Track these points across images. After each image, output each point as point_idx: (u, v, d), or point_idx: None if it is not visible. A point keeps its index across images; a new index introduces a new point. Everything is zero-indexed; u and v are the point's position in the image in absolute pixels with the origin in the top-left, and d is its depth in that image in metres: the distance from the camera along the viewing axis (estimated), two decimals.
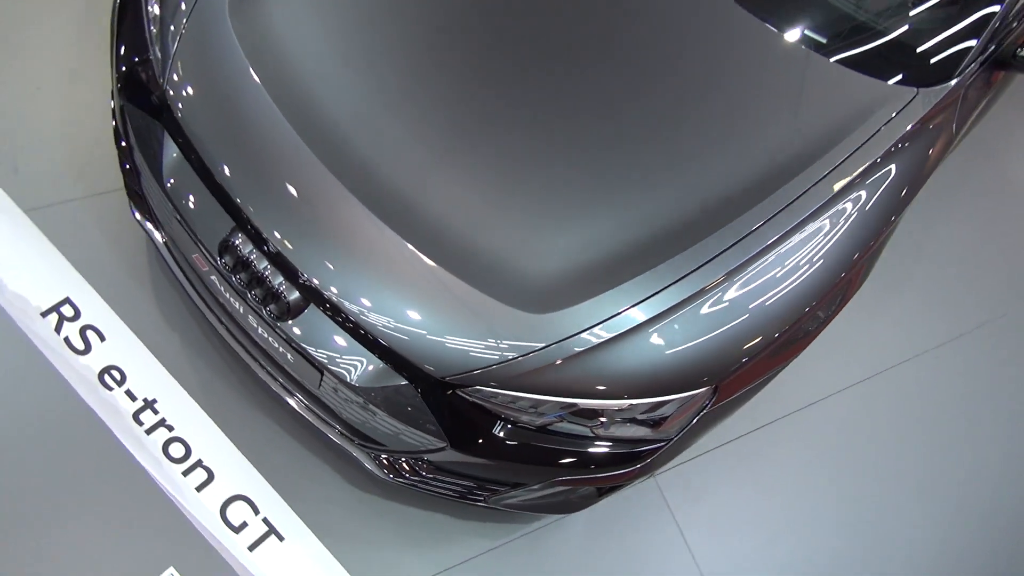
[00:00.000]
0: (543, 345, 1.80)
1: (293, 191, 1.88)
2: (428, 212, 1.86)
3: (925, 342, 3.08)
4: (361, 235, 1.84)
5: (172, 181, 2.01)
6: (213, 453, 2.30)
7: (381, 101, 1.97)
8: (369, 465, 2.16)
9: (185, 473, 2.27)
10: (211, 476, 2.28)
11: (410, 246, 1.82)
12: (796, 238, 1.96)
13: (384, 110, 1.96)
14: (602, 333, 1.81)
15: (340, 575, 2.25)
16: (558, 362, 1.80)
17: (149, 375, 2.36)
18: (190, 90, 1.99)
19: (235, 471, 2.30)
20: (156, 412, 2.32)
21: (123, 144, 2.22)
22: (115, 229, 2.56)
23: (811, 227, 1.98)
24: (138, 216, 2.32)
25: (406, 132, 1.94)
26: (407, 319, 1.80)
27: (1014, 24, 2.34)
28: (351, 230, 1.85)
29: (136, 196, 2.29)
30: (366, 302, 1.81)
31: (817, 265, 1.98)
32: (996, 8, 2.26)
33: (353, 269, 1.83)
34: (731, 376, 1.91)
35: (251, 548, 2.23)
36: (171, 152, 2.03)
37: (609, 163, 1.96)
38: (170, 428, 2.31)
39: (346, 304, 1.81)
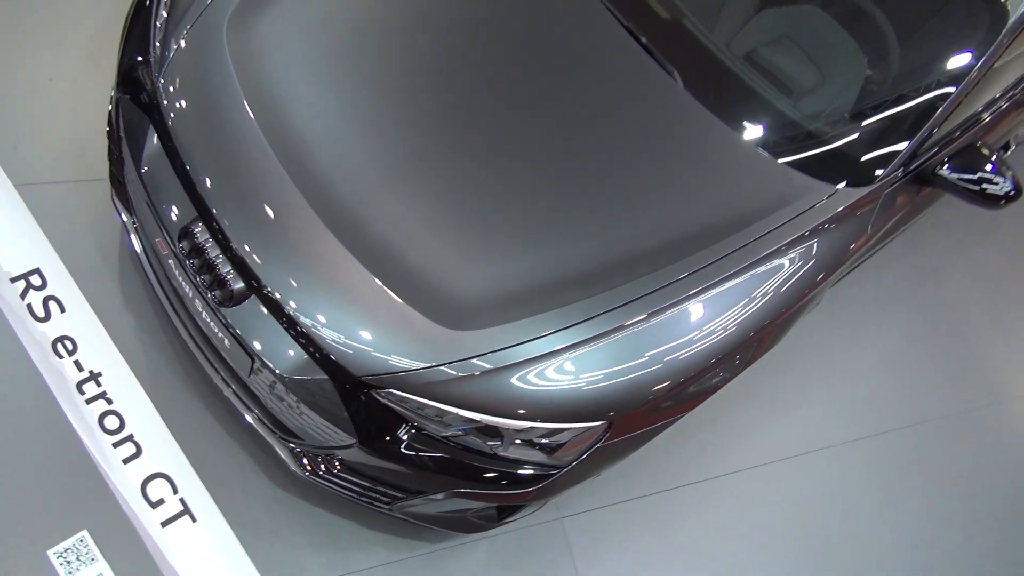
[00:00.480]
0: (455, 359, 1.96)
1: (254, 192, 2.07)
2: (374, 227, 2.05)
3: (842, 435, 3.23)
4: (308, 239, 2.02)
5: (147, 168, 2.21)
6: (145, 430, 2.43)
7: (351, 124, 2.18)
8: (286, 458, 2.29)
9: (115, 445, 2.40)
10: (139, 451, 2.40)
11: (350, 254, 2.00)
12: (711, 295, 2.14)
13: (352, 132, 2.17)
14: (513, 356, 1.98)
15: (244, 562, 2.35)
16: (468, 377, 1.96)
17: (99, 350, 2.50)
18: (179, 91, 2.20)
19: (163, 450, 2.42)
20: (99, 385, 2.46)
21: (113, 133, 2.42)
22: (96, 214, 2.74)
23: (726, 287, 2.16)
24: (117, 202, 2.51)
25: (369, 154, 2.15)
26: (335, 320, 1.97)
27: (936, 146, 2.55)
28: (300, 234, 2.03)
29: (117, 183, 2.48)
30: (302, 299, 1.98)
31: (727, 323, 2.16)
32: (925, 122, 2.47)
33: (295, 268, 2.01)
34: (629, 415, 2.07)
35: (164, 524, 2.34)
36: (152, 144, 2.23)
37: (546, 205, 2.16)
38: (109, 401, 2.45)
39: (283, 298, 1.98)
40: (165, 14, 2.34)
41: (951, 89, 2.46)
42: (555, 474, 2.12)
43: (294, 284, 1.99)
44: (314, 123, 2.16)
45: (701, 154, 2.34)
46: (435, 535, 2.52)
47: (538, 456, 2.08)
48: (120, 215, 2.50)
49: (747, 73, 2.47)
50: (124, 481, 2.36)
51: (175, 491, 2.39)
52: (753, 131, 2.41)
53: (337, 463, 2.22)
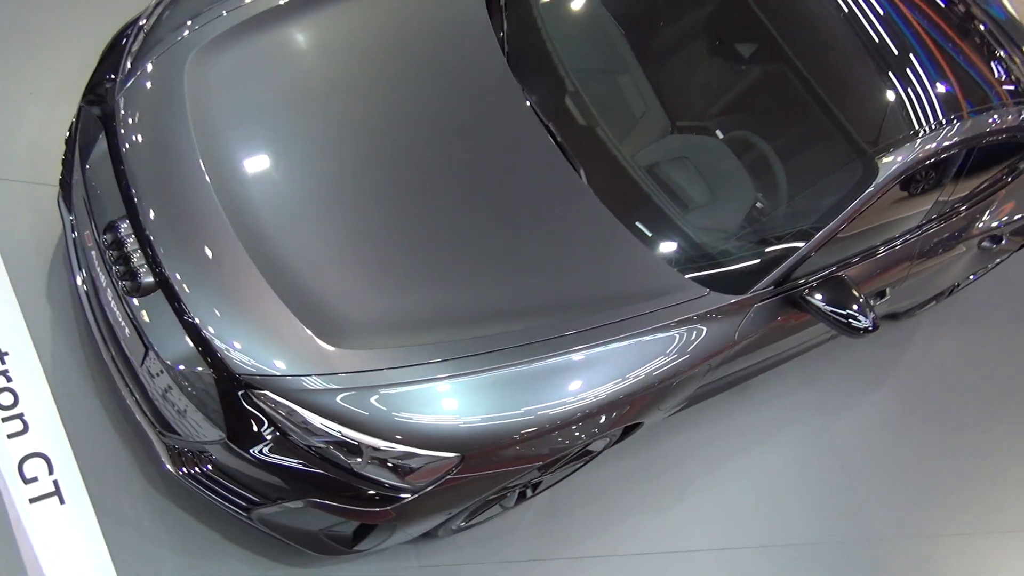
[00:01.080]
0: (328, 372, 2.16)
1: (180, 201, 2.31)
2: (283, 249, 2.28)
3: (707, 542, 3.39)
4: (219, 248, 2.25)
5: (90, 168, 2.45)
6: (36, 411, 2.56)
7: (285, 161, 2.44)
8: (162, 454, 2.42)
9: (4, 420, 2.52)
10: (25, 428, 2.53)
11: (253, 265, 2.23)
12: (576, 358, 2.38)
13: (284, 168, 2.43)
14: (382, 379, 2.18)
15: (101, 550, 2.44)
16: (336, 390, 2.15)
17: (11, 331, 2.66)
18: (133, 111, 2.47)
19: (49, 432, 2.55)
20: (3, 363, 2.61)
21: (71, 139, 2.67)
22: (41, 215, 2.95)
23: (592, 354, 2.40)
24: (62, 203, 2.73)
25: (296, 189, 2.40)
26: (225, 319, 2.18)
27: (806, 276, 2.85)
28: (213, 242, 2.26)
29: (64, 185, 2.71)
30: (199, 296, 2.20)
31: (587, 387, 2.39)
32: (800, 246, 2.77)
33: (201, 270, 2.23)
34: (481, 452, 2.25)
35: (32, 501, 2.44)
36: (99, 150, 2.47)
37: (443, 256, 2.43)
38: (9, 379, 2.59)
39: (183, 294, 2.19)
40: (141, 39, 2.63)
41: (822, 227, 2.78)
42: (405, 499, 2.27)
43: (196, 282, 2.20)
44: (252, 156, 2.42)
45: (590, 239, 2.62)
46: (291, 558, 2.62)
47: (391, 478, 2.23)
48: (62, 214, 2.71)
49: (645, 181, 2.78)
50: (3, 453, 2.47)
51: (50, 472, 2.50)
52: (641, 229, 2.69)
53: (206, 463, 2.35)
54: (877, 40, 3.08)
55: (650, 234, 2.70)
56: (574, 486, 3.12)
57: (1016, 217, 3.87)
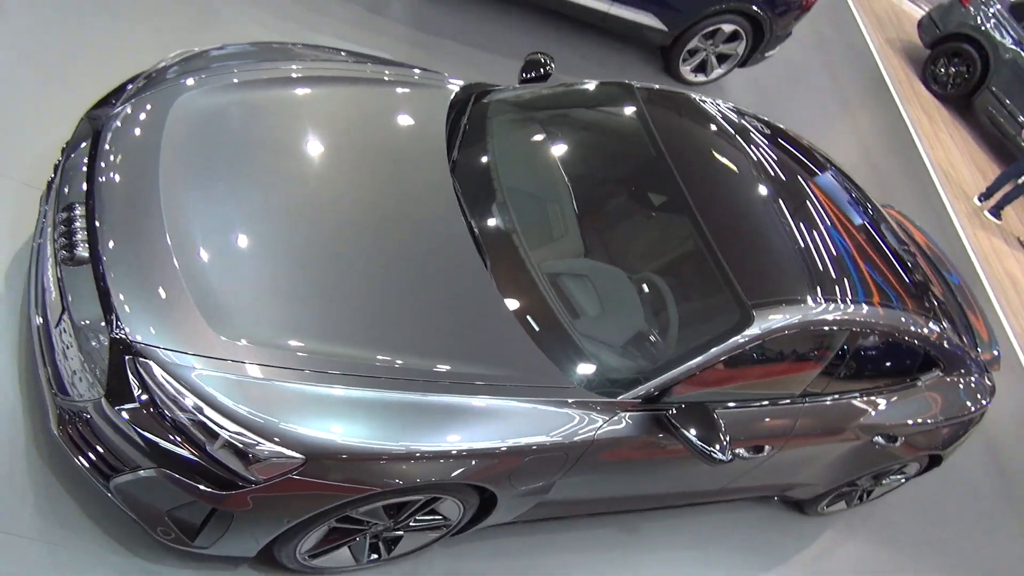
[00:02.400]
0: (210, 356, 2.46)
1: (130, 197, 2.73)
2: (208, 249, 2.66)
3: None
4: (150, 237, 2.64)
5: (68, 163, 2.90)
6: None
7: (233, 187, 2.86)
8: (51, 413, 2.67)
9: None
10: None
11: (173, 253, 2.61)
12: (432, 401, 2.67)
13: (229, 192, 2.85)
14: (258, 372, 2.48)
15: None
16: (212, 374, 2.44)
17: None
18: (120, 125, 2.95)
19: None
20: None
21: (67, 146, 3.14)
22: (21, 213, 3.37)
23: (449, 403, 2.70)
24: (43, 197, 3.15)
25: (234, 207, 2.81)
26: (135, 293, 2.53)
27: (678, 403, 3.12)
28: (147, 232, 2.65)
29: (51, 186, 3.14)
30: (118, 271, 2.56)
31: (432, 433, 2.66)
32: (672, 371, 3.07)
33: (128, 250, 2.61)
34: (326, 460, 2.49)
35: None
36: (82, 151, 2.93)
37: (343, 289, 2.79)
38: None
39: (107, 267, 2.55)
40: (149, 79, 3.17)
41: (692, 359, 3.08)
42: (246, 488, 2.48)
43: (120, 259, 2.58)
44: (205, 180, 2.85)
45: (479, 312, 2.96)
46: (140, 549, 2.79)
47: (238, 465, 2.46)
48: (40, 207, 3.14)
49: (543, 283, 3.13)
50: None
51: None
52: (527, 320, 3.01)
53: (83, 424, 2.59)
54: (788, 210, 3.53)
55: (535, 326, 3.02)
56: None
57: (911, 423, 4.11)
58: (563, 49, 6.51)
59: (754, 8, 6.75)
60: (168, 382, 2.44)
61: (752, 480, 3.91)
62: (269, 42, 3.74)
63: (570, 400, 2.91)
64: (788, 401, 3.59)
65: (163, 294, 2.55)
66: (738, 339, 3.12)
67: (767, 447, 3.63)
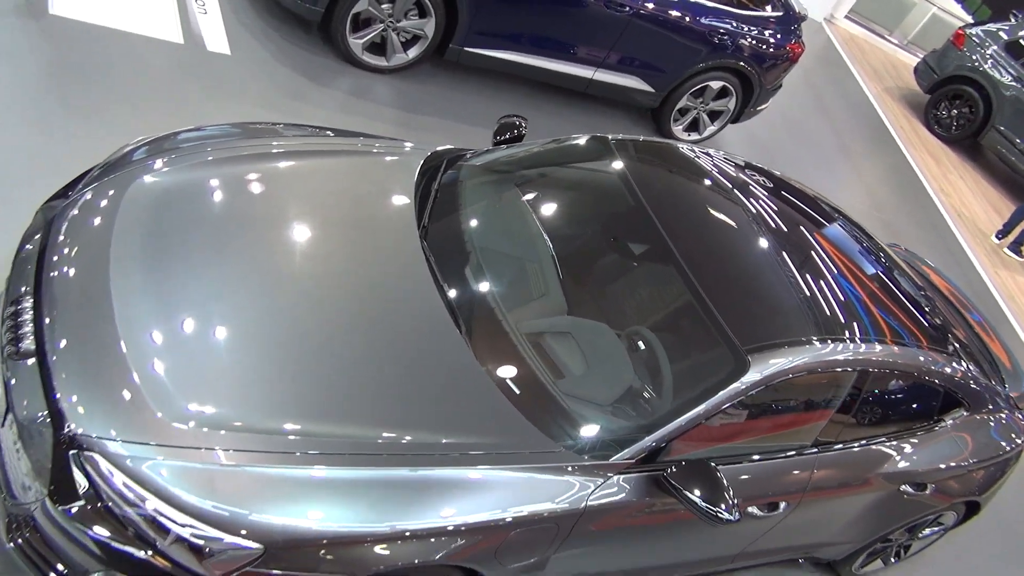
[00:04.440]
0: (161, 443, 2.31)
1: (80, 286, 2.62)
2: (167, 333, 2.53)
3: None
4: (99, 327, 2.51)
5: (20, 254, 2.82)
6: None
7: (187, 268, 2.74)
8: (1, 524, 2.51)
9: None
10: None
11: (123, 345, 2.47)
12: (405, 476, 2.50)
13: (184, 273, 2.72)
14: (219, 454, 2.32)
15: None
16: (161, 463, 2.29)
17: None
18: (75, 214, 2.87)
19: None
20: None
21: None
22: None
23: (425, 477, 2.53)
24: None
25: (190, 289, 2.68)
26: (78, 383, 2.39)
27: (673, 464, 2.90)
28: (96, 323, 2.52)
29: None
30: (64, 363, 2.43)
31: (407, 510, 2.47)
32: (656, 429, 2.87)
33: (74, 341, 2.48)
34: (285, 549, 2.30)
35: None
36: (33, 243, 2.84)
37: (306, 366, 2.64)
38: None
39: (50, 358, 2.43)
40: (100, 168, 3.11)
41: (687, 412, 2.89)
42: None
43: (65, 349, 2.45)
44: (158, 263, 2.74)
45: (454, 380, 2.79)
46: None
47: (192, 562, 2.28)
48: None
49: (524, 346, 2.97)
50: None
51: None
52: (507, 385, 2.84)
53: (31, 529, 2.42)
54: (788, 256, 3.38)
55: (516, 390, 2.84)
56: None
57: (940, 467, 3.84)
58: (552, 119, 6.48)
59: (740, 64, 6.72)
60: (114, 475, 2.28)
61: (771, 542, 3.63)
62: (245, 122, 3.68)
63: (557, 466, 2.71)
64: (802, 452, 3.35)
65: (109, 383, 2.41)
66: (737, 386, 2.92)
67: (782, 504, 3.37)
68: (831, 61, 11.16)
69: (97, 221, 2.84)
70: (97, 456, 2.30)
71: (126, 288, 2.62)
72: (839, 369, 3.20)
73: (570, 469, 2.73)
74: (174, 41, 5.01)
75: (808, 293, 3.30)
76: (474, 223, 3.37)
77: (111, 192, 2.95)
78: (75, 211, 2.88)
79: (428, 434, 2.59)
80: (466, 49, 5.81)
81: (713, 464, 2.90)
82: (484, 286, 3.13)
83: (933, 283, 4.85)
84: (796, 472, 3.37)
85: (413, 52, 5.74)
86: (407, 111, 5.70)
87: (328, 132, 3.77)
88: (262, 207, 3.08)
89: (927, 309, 3.98)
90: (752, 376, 2.94)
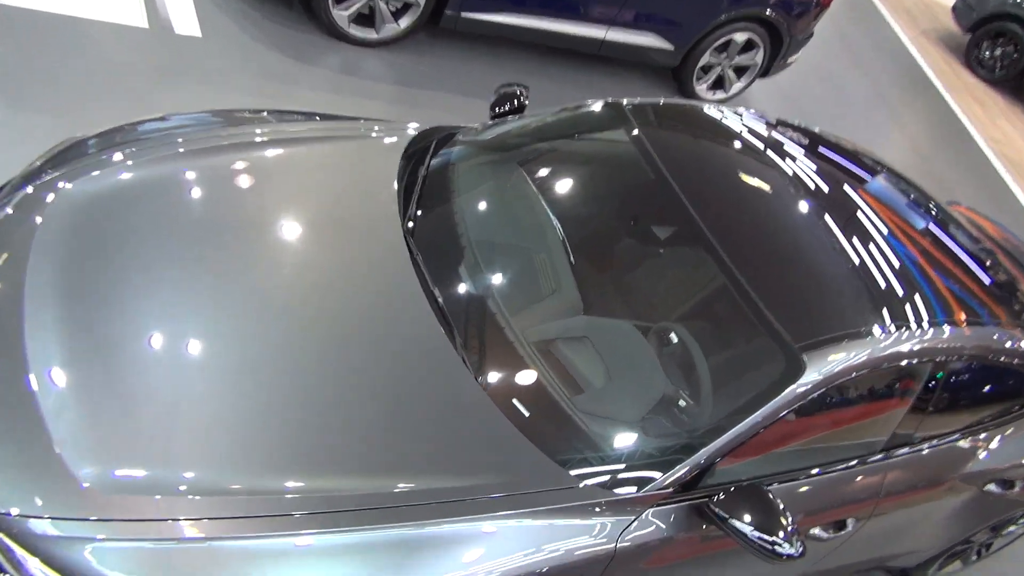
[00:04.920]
0: (91, 518, 1.87)
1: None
2: (94, 378, 2.08)
3: None
4: (8, 380, 2.06)
5: None
6: None
7: (122, 292, 2.28)
8: None
9: None
10: None
11: (38, 401, 2.01)
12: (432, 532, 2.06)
13: (116, 300, 2.26)
14: (173, 525, 1.90)
15: None
16: (80, 539, 1.84)
17: None
18: None
19: None
20: None
21: None
22: None
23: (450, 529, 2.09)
24: None
25: (126, 319, 2.22)
26: None
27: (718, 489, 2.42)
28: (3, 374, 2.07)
29: None
30: None
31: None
32: (697, 449, 2.37)
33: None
34: None
35: None
36: None
37: (288, 403, 2.18)
38: None
39: None
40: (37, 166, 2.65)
41: (734, 425, 2.39)
42: None
43: None
44: (87, 290, 2.26)
45: (449, 408, 2.31)
46: None
47: None
48: None
49: (532, 356, 2.48)
50: None
51: None
52: (513, 407, 2.36)
53: None
54: (837, 226, 2.85)
55: (524, 411, 2.36)
56: None
57: None
58: (564, 86, 5.94)
59: (767, 13, 6.11)
60: (19, 555, 1.84)
61: (837, 560, 3.13)
62: (225, 109, 3.19)
63: (577, 505, 2.23)
64: (867, 459, 2.84)
65: (20, 448, 1.95)
66: (793, 390, 2.41)
67: (850, 520, 2.87)
68: (862, 5, 10.44)
69: (19, 232, 2.37)
70: (3, 537, 1.85)
71: (42, 325, 2.15)
72: (906, 362, 2.68)
73: (594, 508, 2.25)
74: (138, 26, 4.53)
75: (863, 269, 2.77)
76: (469, 212, 2.88)
77: (41, 196, 2.48)
78: None
79: (420, 480, 2.12)
80: (463, 15, 5.27)
81: (767, 488, 2.41)
82: (482, 287, 2.64)
83: (991, 235, 4.27)
84: (863, 483, 2.86)
85: (404, 21, 5.22)
86: (403, 86, 5.19)
87: (316, 117, 3.27)
88: (226, 211, 2.59)
89: (988, 264, 3.42)
90: (811, 377, 2.44)
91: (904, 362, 2.66)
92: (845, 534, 2.87)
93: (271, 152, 2.86)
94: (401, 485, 2.08)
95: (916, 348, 2.67)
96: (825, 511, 2.79)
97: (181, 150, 2.73)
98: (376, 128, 3.16)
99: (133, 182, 2.59)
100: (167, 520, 1.90)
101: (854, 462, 2.81)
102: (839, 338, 2.54)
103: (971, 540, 3.67)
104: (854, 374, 2.53)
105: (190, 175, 2.67)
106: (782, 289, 2.62)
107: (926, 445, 3.00)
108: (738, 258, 2.61)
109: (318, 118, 3.22)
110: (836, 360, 2.49)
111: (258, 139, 2.92)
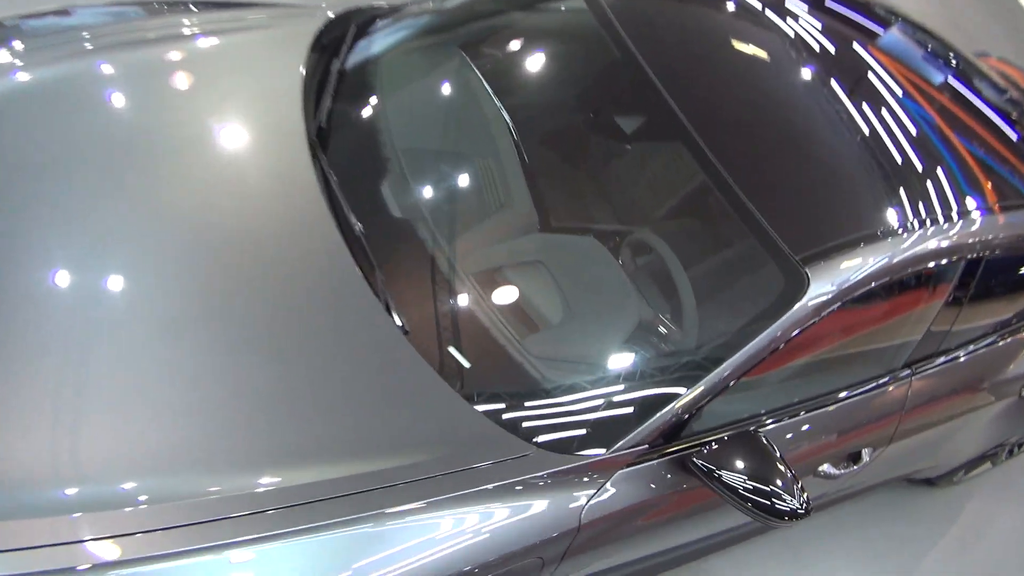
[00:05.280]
0: None
1: None
2: None
3: None
4: None
5: None
6: None
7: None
8: None
9: None
10: None
11: None
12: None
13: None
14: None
15: None
16: None
17: None
18: None
19: None
20: None
21: None
22: None
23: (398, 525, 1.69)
24: None
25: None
26: None
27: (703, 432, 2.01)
28: None
29: None
30: None
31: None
32: (680, 391, 1.94)
33: None
34: None
35: None
36: None
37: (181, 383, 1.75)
38: None
39: None
40: None
41: (724, 360, 1.95)
42: None
43: None
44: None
45: (367, 371, 1.87)
46: None
47: None
48: None
49: (473, 293, 2.02)
50: None
51: None
52: (448, 359, 1.92)
53: None
54: (845, 94, 2.32)
55: (465, 362, 1.93)
56: None
57: None
58: None
59: None
60: None
61: (854, 486, 2.75)
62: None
63: (530, 477, 1.82)
64: (886, 380, 2.40)
65: None
66: (796, 312, 1.96)
67: (866, 452, 2.46)
68: None
69: None
70: None
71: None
72: (932, 264, 2.20)
73: (553, 477, 1.84)
74: None
75: (877, 153, 2.25)
76: (396, 112, 2.35)
77: None
78: None
79: (325, 468, 1.70)
80: None
81: (761, 434, 1.99)
82: (410, 208, 2.16)
83: (1019, 84, 3.67)
84: (883, 404, 2.43)
85: None
86: None
87: (213, 7, 2.70)
88: (96, 132, 2.09)
89: (1015, 117, 2.87)
90: (818, 292, 1.98)
91: (931, 264, 2.19)
92: (863, 463, 2.47)
93: (162, 52, 2.32)
94: (298, 478, 1.67)
95: (943, 246, 2.19)
96: (834, 443, 2.37)
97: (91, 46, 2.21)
98: (282, 15, 2.59)
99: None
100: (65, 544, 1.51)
101: (871, 386, 2.37)
102: (851, 242, 2.06)
103: (1003, 444, 3.28)
104: (872, 284, 2.06)
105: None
106: (778, 186, 2.13)
107: (955, 355, 2.55)
108: (723, 149, 2.10)
109: (216, 9, 2.65)
110: (848, 268, 2.02)
111: (151, 35, 2.37)
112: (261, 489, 1.64)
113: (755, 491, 1.90)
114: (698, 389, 1.94)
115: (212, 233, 1.96)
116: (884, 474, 2.86)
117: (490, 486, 1.78)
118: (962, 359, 2.57)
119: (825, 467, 2.37)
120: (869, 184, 2.19)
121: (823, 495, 2.59)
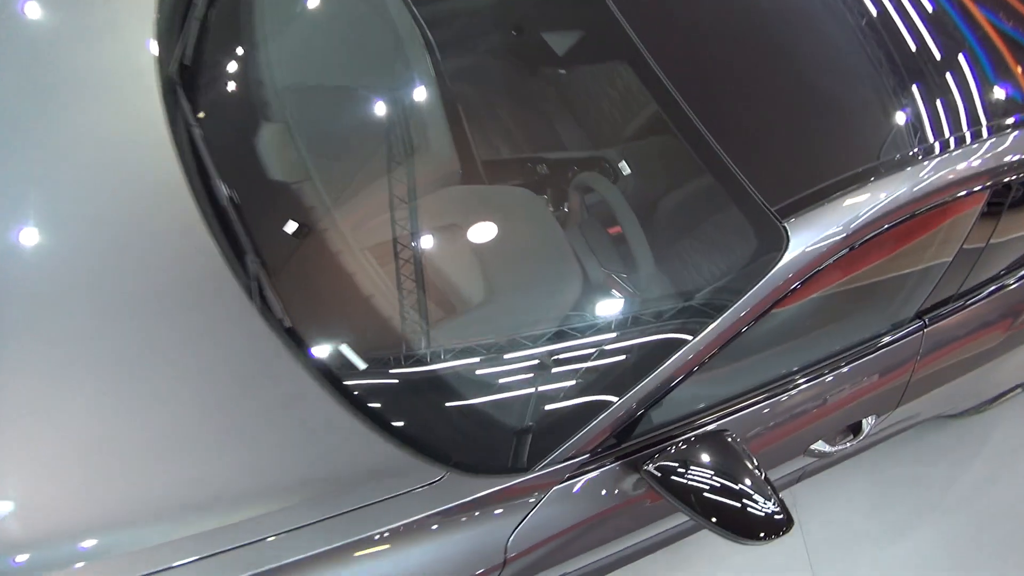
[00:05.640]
0: None
1: None
2: None
3: None
4: None
5: None
6: None
7: None
8: None
9: None
10: None
11: None
12: None
13: None
14: None
15: None
16: None
17: None
18: None
19: None
20: None
21: None
22: None
23: None
24: None
25: None
26: None
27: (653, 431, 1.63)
28: None
29: None
30: None
31: None
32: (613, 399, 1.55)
33: None
34: None
35: None
36: None
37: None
38: None
39: None
40: None
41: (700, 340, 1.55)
42: None
43: None
44: None
45: (234, 387, 1.49)
46: None
47: None
48: None
49: (369, 272, 1.63)
50: None
51: None
52: (341, 360, 1.55)
53: None
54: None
55: (359, 363, 1.56)
56: None
57: None
58: None
59: None
60: None
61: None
62: None
63: (439, 510, 1.46)
64: (890, 335, 2.00)
65: None
66: (779, 273, 1.54)
67: (867, 421, 2.08)
68: None
69: None
70: None
71: None
72: (952, 196, 1.76)
73: (465, 508, 1.48)
74: None
75: (880, 59, 1.79)
76: (276, 39, 1.89)
77: None
78: None
79: (195, 512, 1.36)
80: None
81: (728, 436, 1.61)
82: (292, 166, 1.74)
83: None
84: (890, 361, 2.04)
85: None
86: None
87: None
88: None
89: None
90: (832, 230, 1.56)
91: (961, 192, 1.76)
92: (863, 435, 2.09)
93: None
94: (170, 528, 1.31)
95: (966, 172, 1.75)
96: (829, 416, 1.98)
97: None
98: None
99: None
100: None
101: (880, 341, 1.97)
102: (869, 173, 1.62)
103: None
104: (886, 226, 1.64)
105: None
106: (756, 117, 1.68)
107: (976, 295, 2.14)
108: (682, 72, 1.64)
109: None
110: (858, 203, 1.60)
111: None
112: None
113: (721, 504, 1.54)
114: (648, 384, 1.55)
115: (46, 223, 1.56)
116: (890, 429, 2.48)
117: (393, 525, 1.42)
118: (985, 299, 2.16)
119: (818, 446, 1.99)
120: (878, 116, 1.73)
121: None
